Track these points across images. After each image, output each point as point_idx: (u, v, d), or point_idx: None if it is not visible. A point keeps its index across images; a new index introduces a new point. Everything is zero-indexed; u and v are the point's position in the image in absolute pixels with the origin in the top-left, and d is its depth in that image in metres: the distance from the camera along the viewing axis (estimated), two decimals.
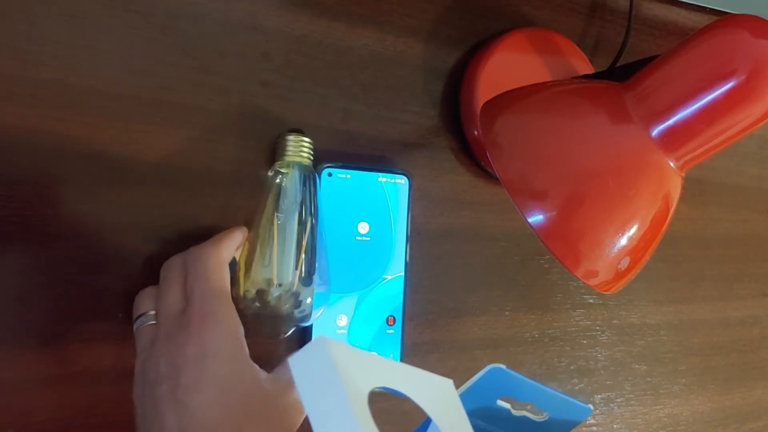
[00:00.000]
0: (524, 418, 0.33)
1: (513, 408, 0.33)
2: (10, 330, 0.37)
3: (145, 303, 0.37)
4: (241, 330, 0.36)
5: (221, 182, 0.43)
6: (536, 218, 0.36)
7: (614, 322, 0.59)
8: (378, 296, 0.46)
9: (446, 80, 0.51)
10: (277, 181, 0.41)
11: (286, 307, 0.39)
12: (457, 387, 0.30)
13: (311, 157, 0.43)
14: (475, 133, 0.49)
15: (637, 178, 0.36)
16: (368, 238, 0.46)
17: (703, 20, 0.63)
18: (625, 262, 0.37)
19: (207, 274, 0.36)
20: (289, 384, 0.36)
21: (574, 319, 0.57)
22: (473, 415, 0.31)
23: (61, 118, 0.39)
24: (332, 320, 0.45)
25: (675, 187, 0.37)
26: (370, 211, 0.46)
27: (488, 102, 0.41)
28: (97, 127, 0.40)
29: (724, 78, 0.33)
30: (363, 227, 0.46)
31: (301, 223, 0.40)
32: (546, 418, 0.33)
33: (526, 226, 0.36)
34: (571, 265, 0.36)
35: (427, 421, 0.28)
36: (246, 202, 0.43)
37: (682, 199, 0.38)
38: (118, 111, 0.40)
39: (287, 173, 0.41)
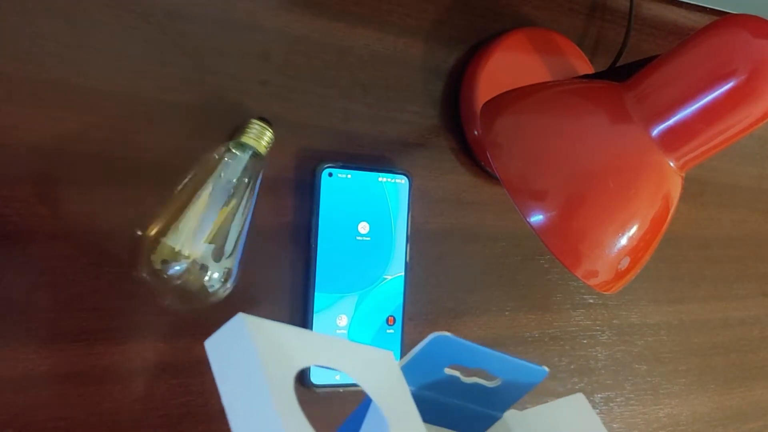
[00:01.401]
0: (476, 384, 0.31)
1: (462, 375, 0.31)
2: (10, 330, 0.37)
3: None
4: None
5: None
6: (536, 218, 0.36)
7: (614, 322, 0.59)
8: (378, 296, 0.46)
9: (446, 80, 0.51)
10: (225, 159, 0.40)
11: (190, 279, 0.37)
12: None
13: (266, 150, 0.41)
14: (475, 133, 0.49)
15: (637, 178, 0.36)
16: (368, 238, 0.46)
17: (703, 20, 0.63)
18: (625, 262, 0.37)
19: None
20: None
21: (574, 319, 0.57)
22: (420, 386, 0.30)
23: (61, 118, 0.39)
24: (332, 320, 0.45)
25: (675, 187, 0.37)
26: (370, 211, 0.46)
27: (488, 102, 0.41)
28: (96, 127, 0.40)
29: (724, 78, 0.33)
30: (363, 227, 0.46)
31: (227, 204, 0.38)
32: (499, 383, 0.32)
33: (526, 226, 0.36)
34: (571, 265, 0.36)
35: (368, 399, 0.26)
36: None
37: (682, 199, 0.38)
38: (118, 111, 0.40)
39: (236, 154, 0.40)
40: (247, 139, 0.41)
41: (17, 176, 0.38)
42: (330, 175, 0.45)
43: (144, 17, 0.41)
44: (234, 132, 0.42)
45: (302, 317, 0.45)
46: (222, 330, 0.22)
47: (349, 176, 0.46)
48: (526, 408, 0.34)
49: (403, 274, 0.47)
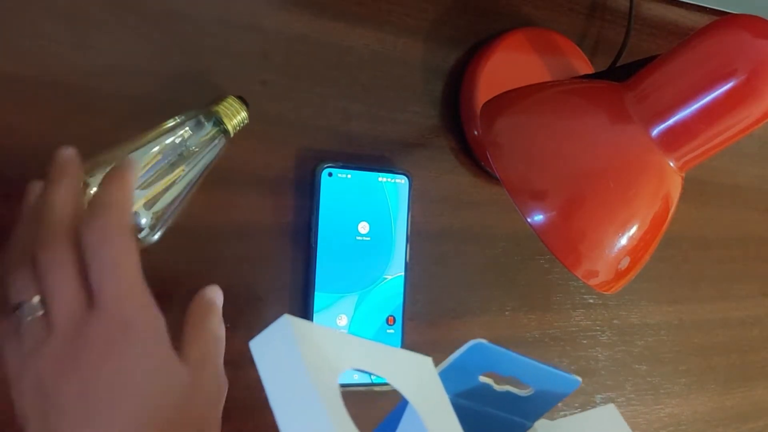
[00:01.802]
0: (508, 393, 0.31)
1: (496, 383, 0.31)
2: None
3: (26, 287, 0.29)
4: (163, 326, 0.31)
5: (221, 182, 0.43)
6: (536, 218, 0.36)
7: (614, 322, 0.59)
8: (378, 296, 0.46)
9: (446, 80, 0.51)
10: (189, 124, 0.38)
11: None
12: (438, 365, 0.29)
13: (234, 131, 0.40)
14: (475, 133, 0.49)
15: (637, 178, 0.36)
16: (368, 238, 0.46)
17: (703, 20, 0.63)
18: (625, 262, 0.37)
19: (119, 261, 0.29)
20: (204, 360, 0.33)
21: (574, 319, 0.57)
22: (454, 394, 0.29)
23: (61, 118, 0.39)
24: (332, 320, 0.45)
25: (675, 187, 0.37)
26: (370, 211, 0.46)
27: (488, 102, 0.41)
28: (97, 127, 0.40)
29: (724, 78, 0.33)
30: (363, 227, 0.46)
31: (175, 166, 0.37)
32: (531, 392, 0.31)
33: (526, 226, 0.36)
34: (571, 265, 0.36)
35: (404, 402, 0.26)
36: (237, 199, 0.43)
37: (682, 199, 0.38)
38: (118, 111, 0.40)
39: (203, 123, 0.38)
40: (220, 112, 0.39)
41: (18, 176, 0.38)
42: (330, 175, 0.45)
43: (144, 17, 0.41)
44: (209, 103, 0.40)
45: (302, 317, 0.45)
46: (267, 331, 0.22)
47: (349, 176, 0.46)
48: (557, 417, 0.34)
49: (403, 274, 0.47)
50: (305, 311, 0.45)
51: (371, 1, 0.47)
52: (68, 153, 0.32)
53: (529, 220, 0.36)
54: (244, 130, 0.43)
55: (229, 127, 0.39)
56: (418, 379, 0.26)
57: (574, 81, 0.47)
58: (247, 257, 0.44)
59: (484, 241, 0.52)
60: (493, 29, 0.52)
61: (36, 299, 0.29)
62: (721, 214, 0.66)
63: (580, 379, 0.32)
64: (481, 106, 0.41)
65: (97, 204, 0.30)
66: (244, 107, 0.40)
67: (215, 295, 0.36)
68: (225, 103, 0.39)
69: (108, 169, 0.33)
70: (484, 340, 0.28)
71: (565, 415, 0.35)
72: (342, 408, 0.21)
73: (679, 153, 0.35)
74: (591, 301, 0.58)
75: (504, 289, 0.53)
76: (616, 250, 0.36)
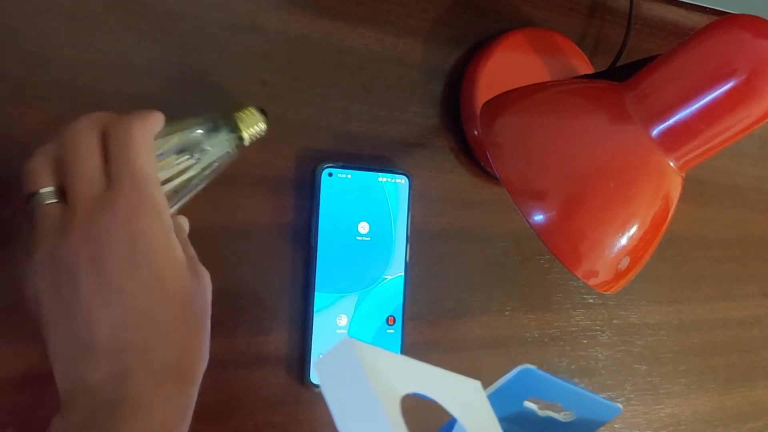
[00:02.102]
0: (549, 418, 0.32)
1: (539, 409, 0.32)
2: (10, 329, 0.37)
3: (43, 177, 0.31)
4: (171, 224, 0.32)
5: (221, 181, 0.43)
6: (536, 218, 0.36)
7: (614, 322, 0.59)
8: (378, 296, 0.46)
9: (446, 80, 0.51)
10: (205, 127, 0.38)
11: None
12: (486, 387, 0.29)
13: (250, 141, 0.40)
14: (475, 133, 0.49)
15: (637, 178, 0.36)
16: (368, 238, 0.46)
17: (703, 20, 0.63)
18: (625, 262, 0.37)
19: (137, 152, 0.31)
20: (194, 259, 0.34)
21: (574, 319, 0.57)
22: (500, 418, 0.30)
23: (62, 118, 0.39)
24: (332, 320, 0.45)
25: (675, 187, 0.37)
26: (370, 211, 0.46)
27: (488, 102, 0.41)
28: None
29: (724, 78, 0.33)
30: (363, 227, 0.46)
31: (184, 166, 0.37)
32: (573, 418, 0.32)
33: (526, 226, 0.36)
34: (571, 265, 0.36)
35: (452, 421, 0.27)
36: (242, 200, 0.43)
37: (682, 199, 0.38)
38: (119, 111, 0.40)
39: (219, 129, 0.38)
40: (238, 119, 0.39)
41: (18, 176, 0.38)
42: (330, 175, 0.45)
43: (145, 17, 0.41)
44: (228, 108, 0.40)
45: (302, 317, 0.45)
46: (331, 352, 0.23)
47: (349, 176, 0.46)
48: None
49: (403, 274, 0.47)
50: (305, 311, 0.45)
51: (371, 1, 0.47)
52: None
53: (529, 220, 0.36)
54: None
55: (245, 135, 0.39)
56: (468, 402, 0.27)
57: (574, 81, 0.47)
58: (247, 257, 0.44)
59: (484, 241, 0.52)
60: (493, 29, 0.52)
61: (50, 189, 0.30)
62: (721, 214, 0.66)
63: (621, 406, 0.32)
64: (481, 106, 0.41)
65: (123, 115, 0.32)
66: (264, 118, 0.40)
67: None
68: (245, 112, 0.40)
69: None
70: (532, 366, 0.29)
71: None
72: (404, 427, 0.22)
73: (679, 153, 0.35)
74: (591, 301, 0.58)
75: (504, 289, 0.53)
76: (616, 250, 0.36)
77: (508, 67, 0.50)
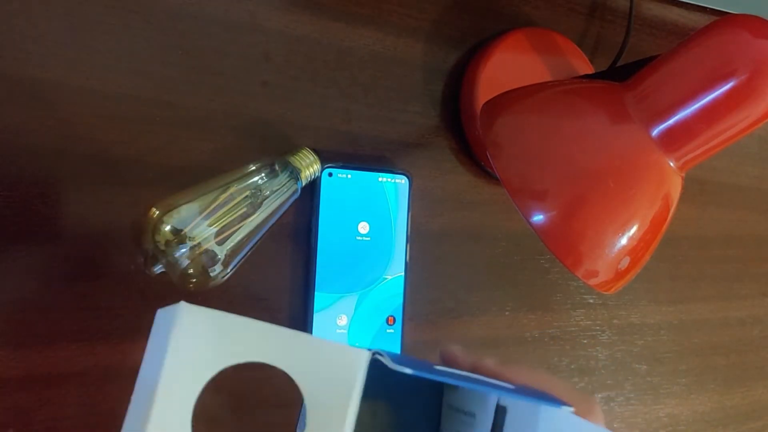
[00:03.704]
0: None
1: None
2: (11, 330, 0.37)
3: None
4: None
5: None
6: (536, 218, 0.36)
7: (614, 321, 0.59)
8: (378, 296, 0.46)
9: (446, 80, 0.51)
10: (265, 171, 0.40)
11: (192, 261, 0.36)
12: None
13: (307, 181, 0.42)
14: (475, 133, 0.49)
15: (637, 178, 0.36)
16: (368, 238, 0.46)
17: (703, 20, 0.63)
18: (625, 262, 0.37)
19: None
20: None
21: (574, 319, 0.57)
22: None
23: (61, 118, 0.39)
24: (332, 320, 0.45)
25: (675, 187, 0.37)
26: (371, 211, 0.46)
27: (488, 102, 0.41)
28: (97, 127, 0.40)
29: (724, 78, 0.33)
30: (363, 227, 0.46)
31: (247, 213, 0.38)
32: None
33: (527, 226, 0.36)
34: (571, 265, 0.36)
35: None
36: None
37: (682, 199, 0.38)
38: (119, 111, 0.40)
39: (278, 172, 0.40)
40: (295, 162, 0.41)
41: (18, 176, 0.38)
42: (330, 175, 0.45)
43: (145, 17, 0.41)
44: (272, 151, 0.43)
45: (302, 317, 0.45)
46: (168, 308, 0.22)
47: (349, 176, 0.46)
48: None
49: (403, 274, 0.47)
50: (305, 311, 0.45)
51: (371, 1, 0.47)
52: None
53: (529, 220, 0.36)
54: (244, 131, 0.43)
55: (303, 177, 0.42)
56: (331, 375, 0.24)
57: (574, 81, 0.47)
58: (247, 257, 0.44)
59: (484, 241, 0.52)
60: (493, 29, 0.52)
61: None
62: (721, 214, 0.66)
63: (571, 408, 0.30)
64: (481, 106, 0.41)
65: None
66: (318, 160, 0.42)
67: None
68: (300, 154, 0.42)
69: (184, 209, 0.36)
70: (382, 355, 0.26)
71: None
72: (187, 416, 0.21)
73: (679, 153, 0.35)
74: (591, 300, 0.58)
75: (504, 289, 0.53)
76: (616, 250, 0.36)
77: (508, 67, 0.50)
